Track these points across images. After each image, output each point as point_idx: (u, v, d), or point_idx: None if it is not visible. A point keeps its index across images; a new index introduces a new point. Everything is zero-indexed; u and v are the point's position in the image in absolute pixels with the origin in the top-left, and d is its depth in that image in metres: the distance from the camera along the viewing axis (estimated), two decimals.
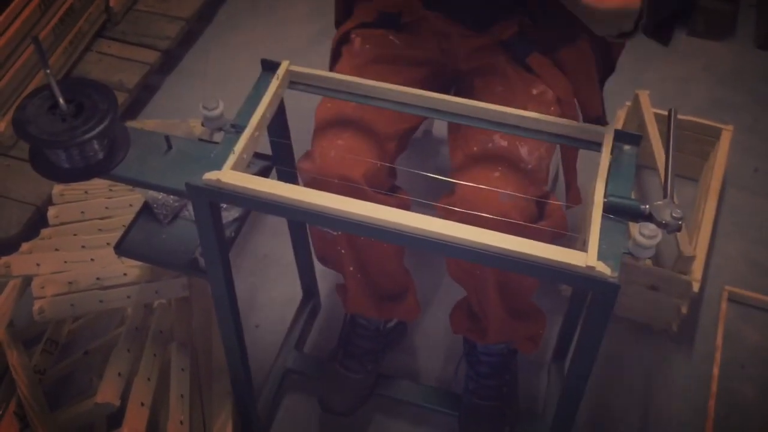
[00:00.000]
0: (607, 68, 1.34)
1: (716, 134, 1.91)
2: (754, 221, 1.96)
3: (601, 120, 1.26)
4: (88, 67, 2.21)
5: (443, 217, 0.96)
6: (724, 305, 1.76)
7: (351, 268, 1.38)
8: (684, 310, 1.66)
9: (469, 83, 1.30)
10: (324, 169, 1.20)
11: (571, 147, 1.10)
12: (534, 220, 1.17)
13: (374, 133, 1.24)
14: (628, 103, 1.96)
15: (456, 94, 1.34)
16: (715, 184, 1.80)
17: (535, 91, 1.23)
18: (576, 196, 1.24)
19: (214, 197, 1.03)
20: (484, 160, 1.18)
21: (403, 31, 1.31)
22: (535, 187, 1.18)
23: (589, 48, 1.25)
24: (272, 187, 0.99)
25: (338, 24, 1.39)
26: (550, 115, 1.08)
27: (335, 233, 1.32)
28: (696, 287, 1.61)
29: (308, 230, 1.48)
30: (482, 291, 1.29)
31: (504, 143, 1.18)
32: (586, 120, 1.23)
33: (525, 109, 1.10)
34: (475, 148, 1.20)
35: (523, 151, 1.18)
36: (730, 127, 1.91)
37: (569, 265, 0.91)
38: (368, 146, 1.23)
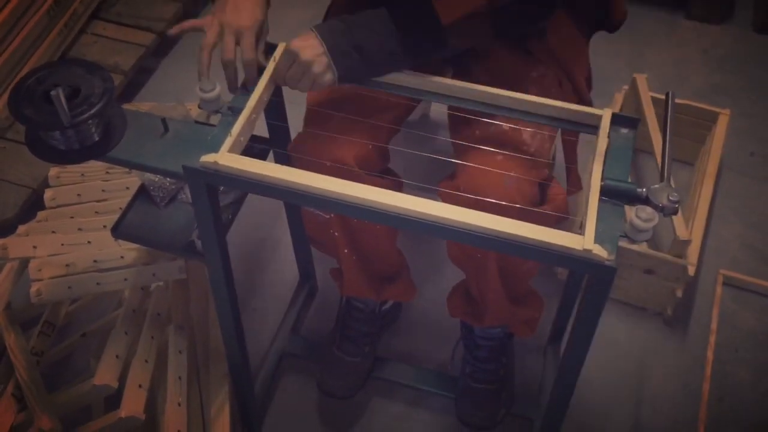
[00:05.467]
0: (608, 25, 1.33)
1: (713, 118, 1.91)
2: (750, 205, 1.97)
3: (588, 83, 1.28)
4: (83, 49, 2.19)
5: (445, 201, 0.96)
6: (719, 289, 1.77)
7: (345, 251, 1.38)
8: (679, 293, 1.67)
9: (466, 67, 1.30)
10: (315, 152, 1.20)
11: (571, 132, 1.09)
12: (536, 204, 1.17)
13: (366, 116, 1.24)
14: (626, 87, 1.95)
15: (454, 78, 1.33)
16: (712, 168, 1.80)
17: (535, 74, 1.23)
18: (576, 182, 1.24)
19: (212, 180, 1.03)
20: (486, 143, 1.17)
21: None
22: (537, 170, 1.18)
23: (574, 27, 1.26)
24: (270, 170, 0.99)
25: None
26: (551, 98, 1.07)
27: (327, 216, 1.32)
28: (691, 271, 1.62)
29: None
30: (482, 275, 1.29)
31: (506, 127, 1.18)
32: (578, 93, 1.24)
33: (526, 91, 1.09)
34: (477, 132, 1.20)
35: (526, 134, 1.18)
36: (727, 111, 1.91)
37: (566, 248, 0.91)
38: (360, 128, 1.22)
